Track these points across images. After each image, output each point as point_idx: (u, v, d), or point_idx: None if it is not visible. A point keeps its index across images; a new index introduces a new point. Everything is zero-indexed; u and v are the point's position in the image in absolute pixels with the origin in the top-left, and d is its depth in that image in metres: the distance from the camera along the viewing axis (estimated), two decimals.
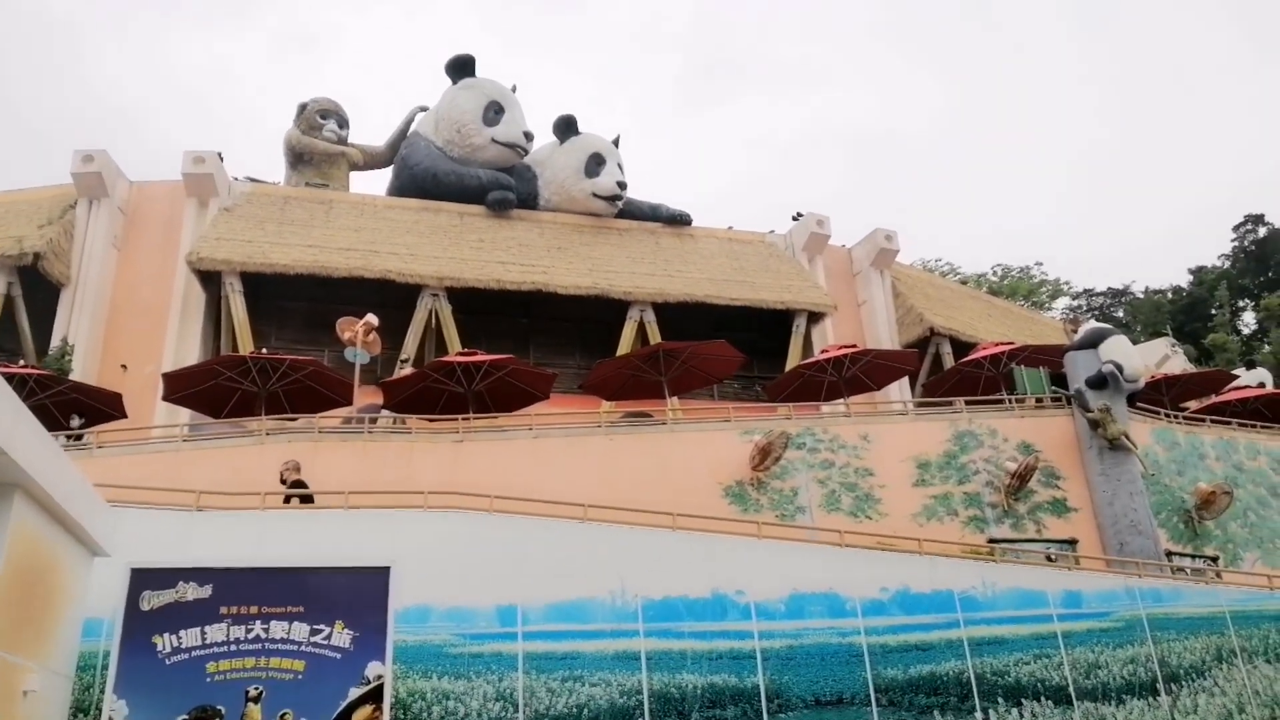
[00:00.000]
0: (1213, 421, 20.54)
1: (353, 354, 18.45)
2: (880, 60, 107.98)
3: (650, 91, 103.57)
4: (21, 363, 18.28)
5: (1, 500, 6.80)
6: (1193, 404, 24.09)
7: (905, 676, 12.00)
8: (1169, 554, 16.98)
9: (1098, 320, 31.83)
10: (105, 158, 23.01)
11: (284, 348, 20.56)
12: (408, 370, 20.21)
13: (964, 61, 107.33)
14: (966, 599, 12.72)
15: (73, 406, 17.10)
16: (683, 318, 24.68)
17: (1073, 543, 16.50)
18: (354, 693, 8.60)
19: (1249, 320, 54.23)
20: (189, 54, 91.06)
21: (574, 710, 10.80)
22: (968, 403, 18.28)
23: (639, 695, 11.06)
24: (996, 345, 22.27)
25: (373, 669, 8.73)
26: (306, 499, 12.21)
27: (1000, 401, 18.64)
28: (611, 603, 11.54)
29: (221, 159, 24.25)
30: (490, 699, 10.57)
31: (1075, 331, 20.29)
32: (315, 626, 8.76)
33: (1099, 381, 17.91)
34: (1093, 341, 18.85)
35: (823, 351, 22.27)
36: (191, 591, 8.70)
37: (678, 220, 28.23)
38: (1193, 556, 17.53)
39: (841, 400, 20.56)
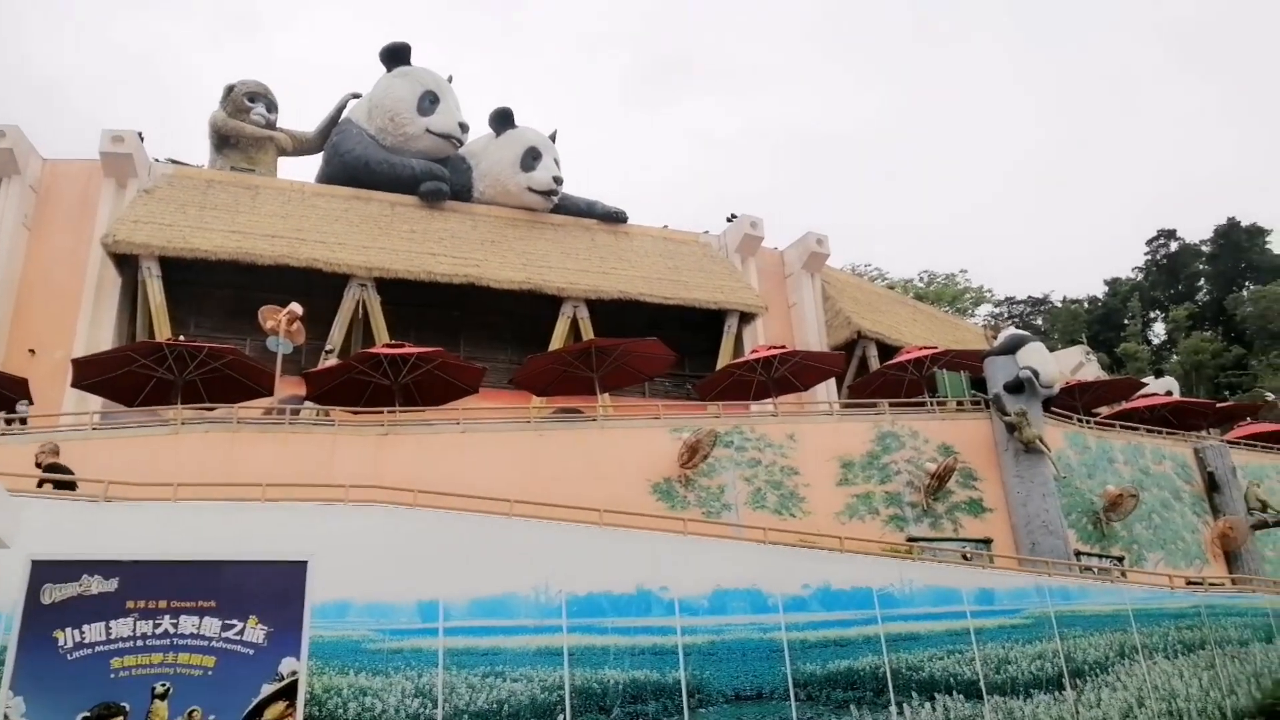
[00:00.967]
0: (1122, 427, 21.40)
1: (275, 343, 17.97)
2: (821, 65, 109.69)
3: (593, 90, 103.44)
4: None
5: None
6: (1104, 410, 25.05)
7: (824, 671, 12.21)
8: (1078, 554, 17.63)
9: (1018, 327, 32.81)
10: (17, 133, 22.01)
11: (204, 336, 19.96)
12: (332, 361, 19.82)
13: (902, 71, 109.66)
14: (885, 596, 13.00)
15: None
16: (616, 315, 24.69)
17: (988, 542, 17.01)
18: (266, 689, 8.40)
19: (1159, 331, 56.63)
20: (123, 32, 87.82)
21: (494, 706, 10.72)
22: (891, 404, 18.69)
23: (560, 691, 11.04)
24: (920, 349, 22.81)
25: (287, 665, 8.54)
26: (66, 485, 11.65)
27: (922, 404, 19.10)
28: (535, 599, 11.48)
29: (141, 139, 23.41)
30: (409, 695, 10.42)
31: (995, 338, 20.88)
32: (228, 621, 8.52)
33: (1016, 386, 18.47)
34: (1011, 348, 19.43)
35: (753, 352, 22.53)
36: (96, 585, 8.39)
37: (613, 217, 28.22)
38: (1100, 556, 18.23)
39: (770, 400, 20.81)
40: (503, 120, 26.93)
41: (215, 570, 8.77)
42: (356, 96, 27.68)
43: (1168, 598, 15.50)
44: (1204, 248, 57.36)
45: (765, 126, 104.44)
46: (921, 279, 56.20)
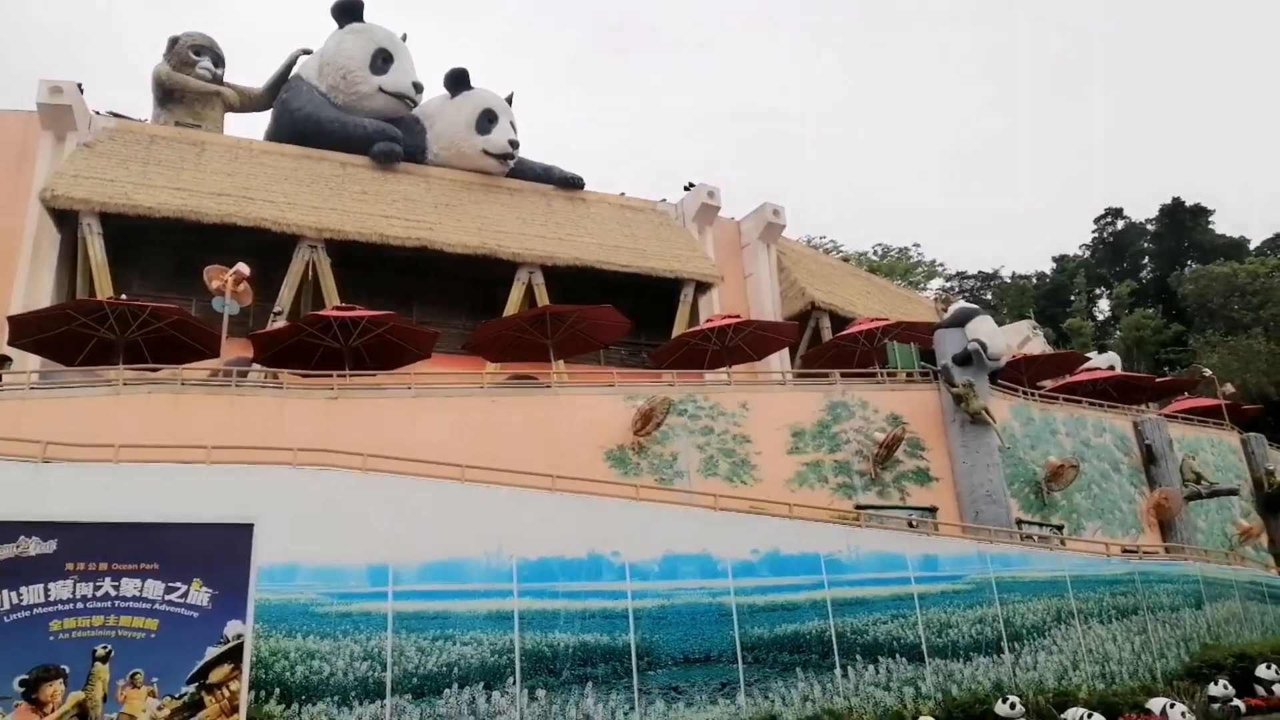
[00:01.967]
0: (1065, 400, 21.91)
1: (221, 304, 17.58)
2: (779, 40, 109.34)
3: (550, 57, 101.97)
4: None
5: None
6: (1048, 383, 25.61)
7: (771, 635, 12.43)
8: (1019, 522, 18.09)
9: (968, 301, 33.33)
10: None
11: (147, 295, 19.44)
12: (281, 323, 19.47)
13: (857, 47, 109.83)
14: (832, 561, 13.24)
15: None
16: (572, 282, 24.56)
17: (933, 510, 17.37)
18: (211, 652, 8.35)
19: (1104, 307, 57.89)
20: None
21: (444, 669, 10.75)
22: (842, 375, 18.90)
23: (510, 654, 11.10)
24: (872, 321, 23.07)
25: (232, 628, 8.50)
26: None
27: (873, 375, 19.35)
28: (486, 563, 11.50)
29: (81, 90, 22.57)
30: (357, 658, 10.40)
31: (946, 311, 21.20)
32: (171, 584, 8.44)
33: (964, 359, 18.80)
34: (960, 321, 19.75)
35: (708, 321, 22.60)
36: (34, 546, 8.24)
37: (570, 183, 27.97)
38: (1040, 525, 18.73)
39: (724, 369, 20.93)
40: (458, 81, 26.45)
41: (158, 532, 8.65)
42: (307, 53, 26.97)
43: (1104, 565, 16.00)
44: (1149, 226, 58.63)
45: (722, 98, 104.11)
46: (876, 252, 56.80)
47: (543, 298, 23.58)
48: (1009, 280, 61.49)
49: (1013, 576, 14.56)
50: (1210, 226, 56.39)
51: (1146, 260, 58.57)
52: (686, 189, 29.81)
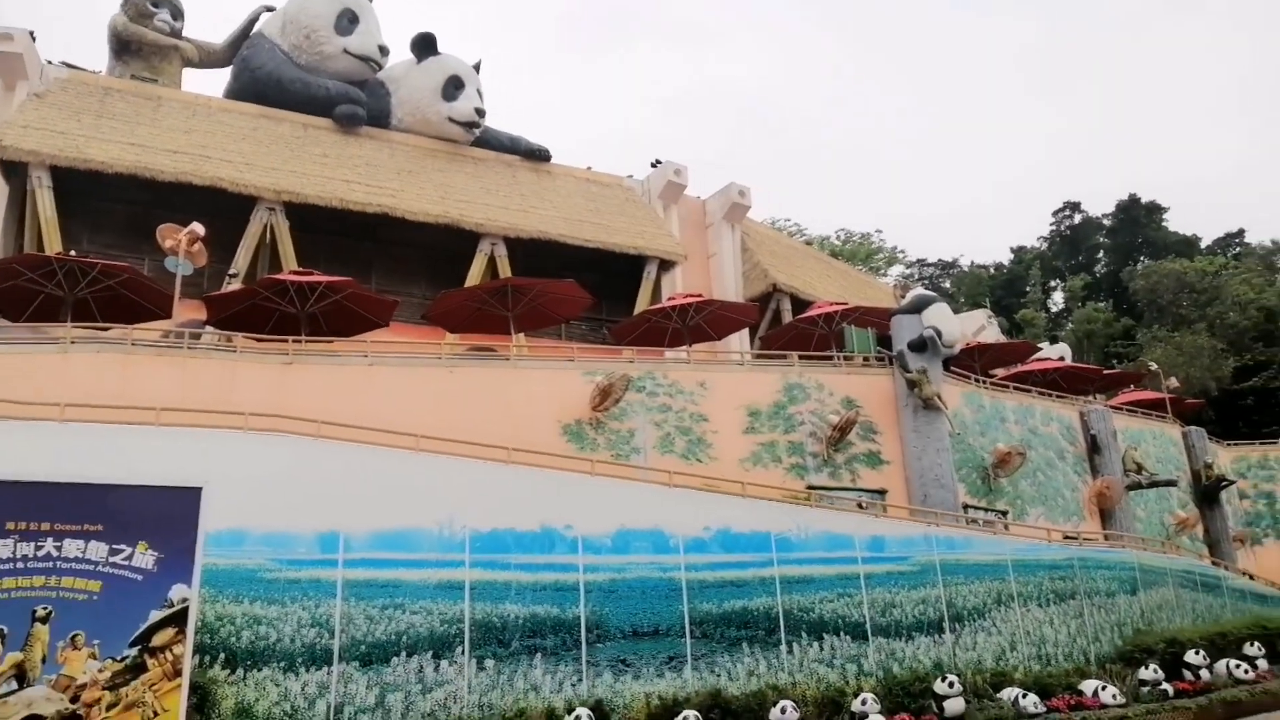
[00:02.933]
0: (1015, 388, 22.35)
1: (174, 264, 17.21)
2: (766, 25, 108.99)
3: (529, 27, 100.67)
4: None
5: None
6: (1000, 371, 26.08)
7: (719, 611, 12.61)
8: (966, 507, 18.47)
9: (926, 288, 33.75)
10: None
11: (98, 252, 18.96)
12: (236, 286, 19.15)
13: (832, 34, 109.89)
14: (782, 540, 13.43)
15: None
16: (535, 255, 24.43)
17: (882, 493, 17.67)
18: (155, 615, 8.27)
19: (1059, 300, 58.98)
20: None
21: (393, 637, 10.76)
22: (800, 357, 19.08)
23: (460, 624, 11.13)
24: (831, 305, 23.28)
25: (177, 592, 8.42)
26: None
27: (829, 358, 19.56)
28: (439, 533, 11.50)
29: (33, 38, 21.86)
30: (305, 625, 10.37)
31: (904, 297, 21.45)
32: (115, 546, 8.33)
33: (920, 345, 19.06)
34: (917, 307, 20.00)
35: (670, 299, 22.64)
36: None
37: (536, 155, 27.74)
38: (986, 510, 19.15)
39: (684, 348, 21.01)
40: (425, 46, 26.02)
41: (103, 493, 8.52)
42: (270, 10, 26.33)
43: (1045, 550, 16.42)
44: (1106, 221, 59.71)
45: (695, 80, 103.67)
46: (838, 237, 57.21)
47: (505, 270, 23.44)
48: (968, 269, 62.36)
49: (957, 559, 14.90)
50: (1164, 224, 57.62)
51: (1101, 255, 59.72)
52: (653, 166, 29.74)
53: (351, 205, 22.33)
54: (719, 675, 12.25)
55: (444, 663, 10.90)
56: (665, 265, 26.78)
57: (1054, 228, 62.04)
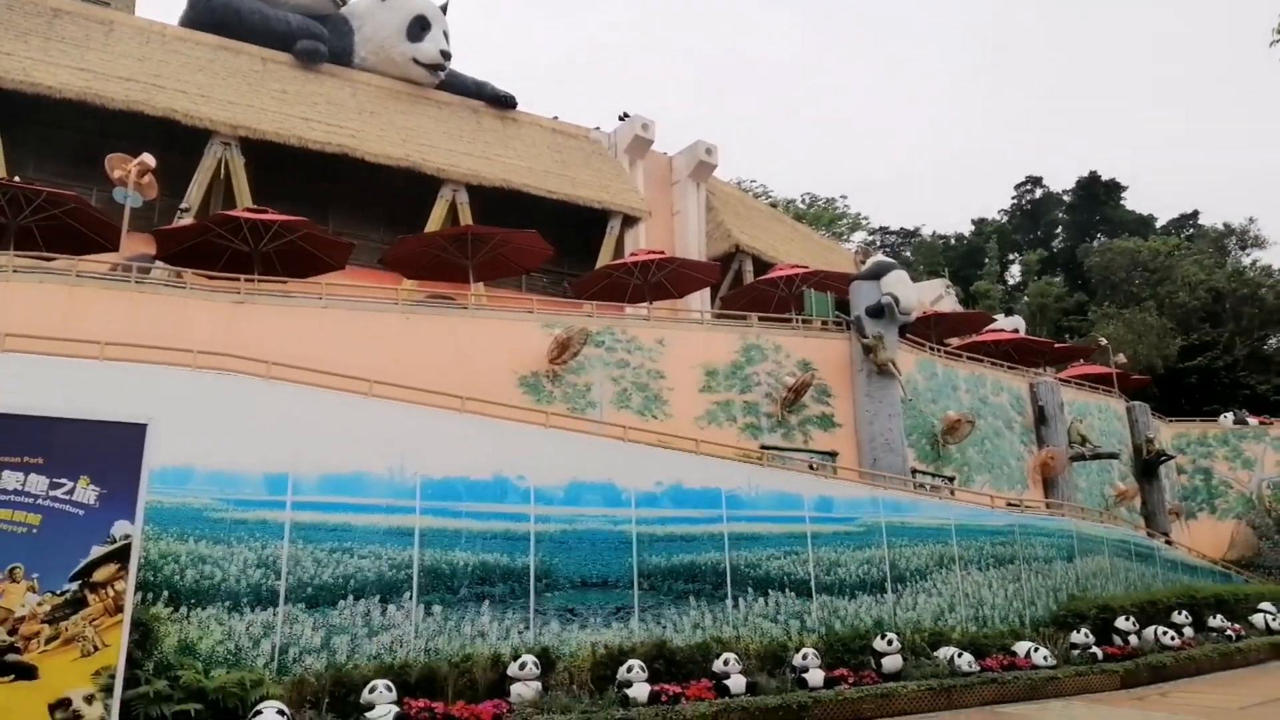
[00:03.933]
0: (968, 358, 22.71)
1: (123, 195, 16.70)
2: None
3: None
4: None
5: None
6: (954, 341, 26.48)
7: (668, 564, 12.76)
8: (914, 471, 18.83)
9: (886, 256, 34.02)
10: None
11: (44, 180, 18.34)
12: (188, 221, 18.67)
13: (820, 9, 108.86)
14: (733, 497, 13.58)
15: None
16: (497, 204, 24.12)
17: (833, 455, 17.92)
18: (97, 551, 8.13)
19: (1015, 273, 59.81)
20: None
21: (340, 581, 10.72)
22: (760, 318, 19.17)
23: (409, 569, 11.13)
24: (792, 267, 23.39)
25: (120, 528, 8.27)
26: None
27: (788, 320, 19.67)
28: (390, 478, 11.43)
29: None
30: (251, 565, 10.29)
31: (864, 263, 21.60)
32: (56, 480, 8.14)
33: (877, 311, 19.25)
34: (876, 274, 20.16)
35: (632, 255, 22.55)
36: None
37: (502, 102, 27.29)
38: (933, 475, 19.54)
39: (644, 304, 20.99)
40: None
41: (44, 426, 8.30)
42: None
43: (987, 516, 16.82)
44: (1065, 197, 60.46)
45: (670, 33, 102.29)
46: (804, 200, 57.28)
47: (466, 217, 23.15)
48: (928, 239, 62.90)
49: (902, 522, 15.20)
50: (1122, 203, 58.50)
51: (1060, 230, 60.55)
52: (621, 119, 29.43)
53: (310, 144, 21.83)
54: (665, 627, 12.43)
55: (391, 607, 10.91)
56: (629, 221, 26.65)
57: (1015, 201, 62.72)
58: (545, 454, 12.63)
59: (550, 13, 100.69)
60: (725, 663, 11.63)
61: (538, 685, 10.65)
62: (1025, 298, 52.59)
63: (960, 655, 13.39)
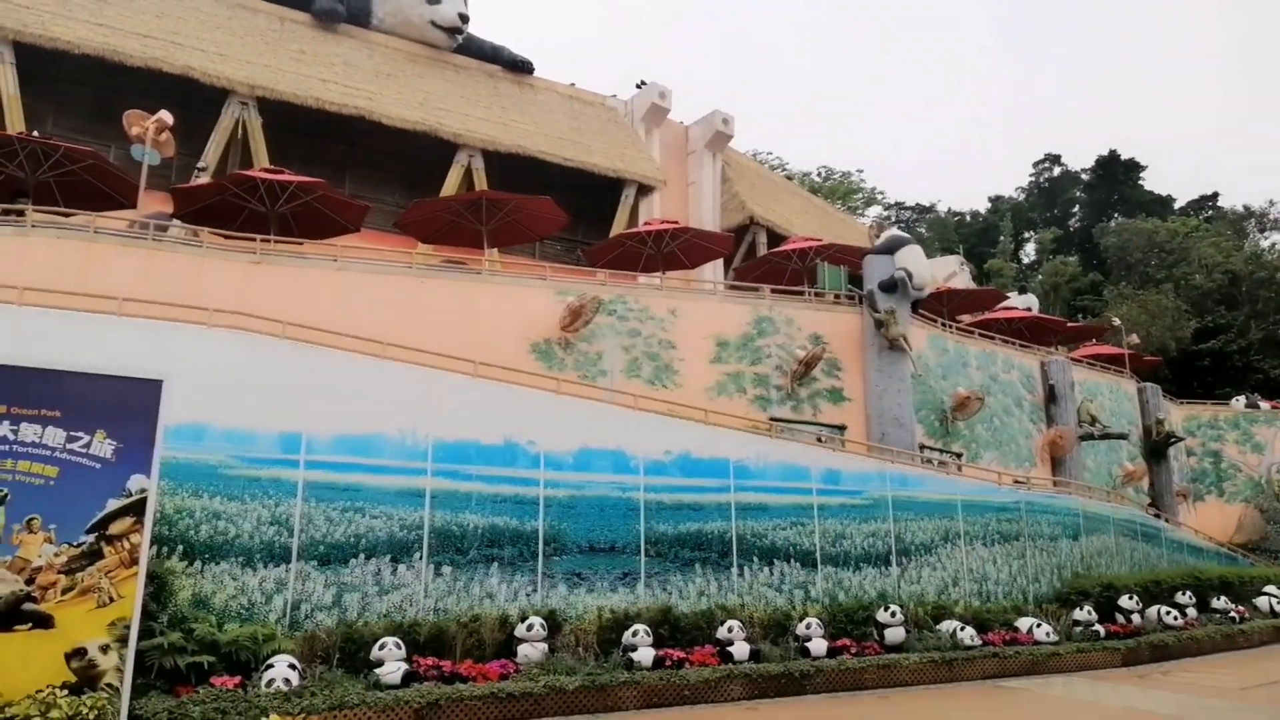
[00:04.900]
0: (980, 335, 22.64)
1: (140, 152, 16.73)
2: None
3: None
4: None
5: None
6: (966, 317, 26.38)
7: (675, 532, 12.88)
8: (922, 447, 18.86)
9: (901, 231, 33.83)
10: None
11: (62, 135, 18.37)
12: (205, 180, 18.70)
13: None
14: (740, 468, 13.67)
15: None
16: (513, 169, 24.06)
17: (842, 428, 17.97)
18: (113, 504, 8.25)
19: (1030, 251, 59.36)
20: None
21: (352, 540, 10.87)
22: (772, 290, 19.13)
23: (420, 530, 11.27)
24: (806, 240, 23.27)
25: (136, 482, 8.39)
26: None
27: (801, 293, 19.63)
28: (402, 440, 11.55)
29: None
30: (264, 522, 10.44)
31: (878, 237, 21.47)
32: (73, 433, 8.25)
33: (890, 286, 19.18)
34: (890, 248, 20.06)
35: (646, 224, 22.49)
36: None
37: (519, 67, 27.12)
38: (941, 451, 19.56)
39: (657, 274, 20.96)
40: None
41: (62, 380, 8.40)
42: None
43: (994, 493, 16.87)
44: (1084, 176, 59.81)
45: (684, 9, 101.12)
46: (819, 174, 56.83)
47: (481, 182, 23.10)
48: (944, 215, 62.42)
49: (909, 496, 15.27)
50: (1141, 182, 57.82)
51: (1077, 209, 59.97)
52: (638, 87, 29.22)
53: (327, 105, 21.79)
54: (670, 593, 12.57)
55: (402, 567, 11.06)
56: (644, 190, 26.54)
57: (1033, 179, 62.11)
58: (556, 420, 12.71)
59: None
60: (729, 630, 11.77)
61: (544, 647, 10.82)
62: (1039, 276, 52.22)
63: (963, 629, 13.51)
